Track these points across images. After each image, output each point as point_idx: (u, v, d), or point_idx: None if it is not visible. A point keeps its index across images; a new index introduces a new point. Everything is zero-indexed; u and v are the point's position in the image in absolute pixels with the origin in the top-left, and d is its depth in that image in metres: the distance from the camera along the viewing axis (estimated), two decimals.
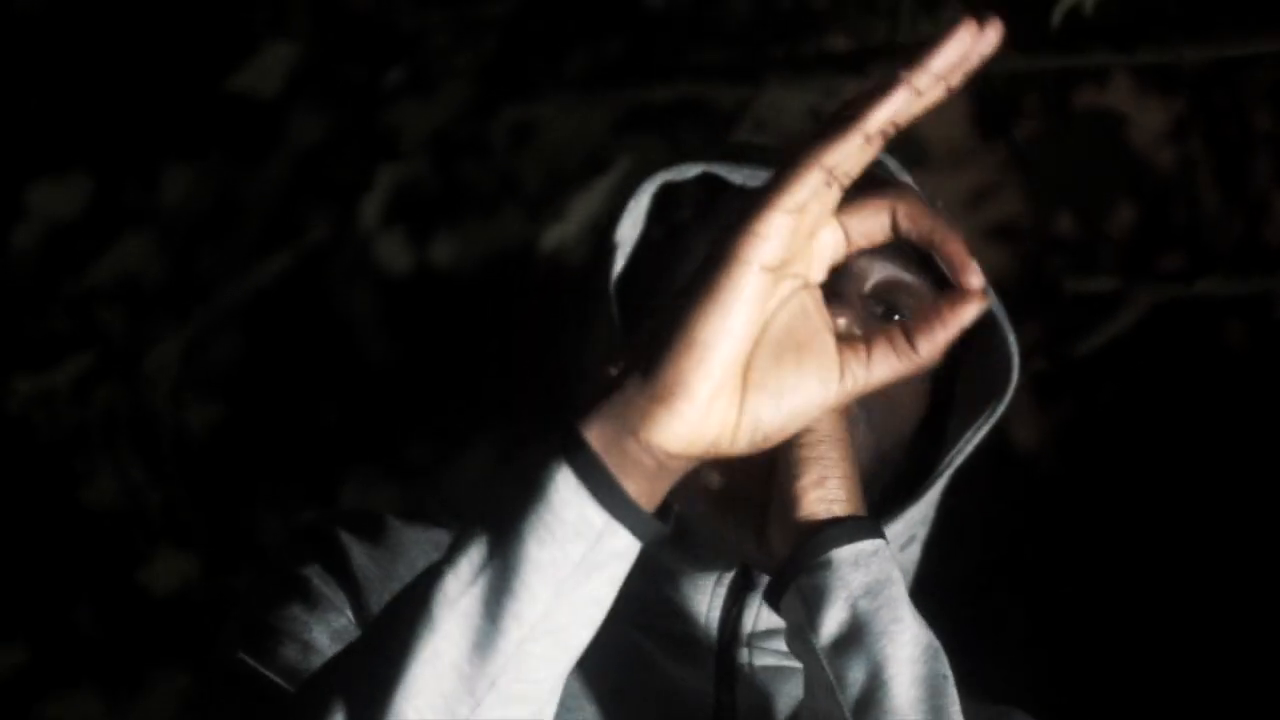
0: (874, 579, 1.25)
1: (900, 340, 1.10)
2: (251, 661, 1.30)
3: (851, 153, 1.06)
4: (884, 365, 1.11)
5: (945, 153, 3.18)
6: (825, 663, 1.26)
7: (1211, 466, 3.42)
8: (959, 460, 1.41)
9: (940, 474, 1.40)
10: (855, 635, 1.25)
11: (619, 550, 1.09)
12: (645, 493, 1.08)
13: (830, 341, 1.12)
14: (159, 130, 3.40)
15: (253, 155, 3.37)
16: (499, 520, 1.08)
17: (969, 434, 1.41)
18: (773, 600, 1.29)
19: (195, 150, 3.39)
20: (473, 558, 1.08)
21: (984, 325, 1.37)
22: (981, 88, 2.61)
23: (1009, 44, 2.02)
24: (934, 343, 1.10)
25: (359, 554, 1.38)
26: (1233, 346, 3.35)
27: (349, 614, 1.35)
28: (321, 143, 3.30)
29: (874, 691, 1.24)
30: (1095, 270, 2.17)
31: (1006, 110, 2.86)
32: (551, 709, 1.13)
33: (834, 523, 1.26)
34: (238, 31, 3.27)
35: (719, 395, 1.08)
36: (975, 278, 1.10)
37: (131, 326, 3.37)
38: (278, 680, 1.28)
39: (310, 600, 1.34)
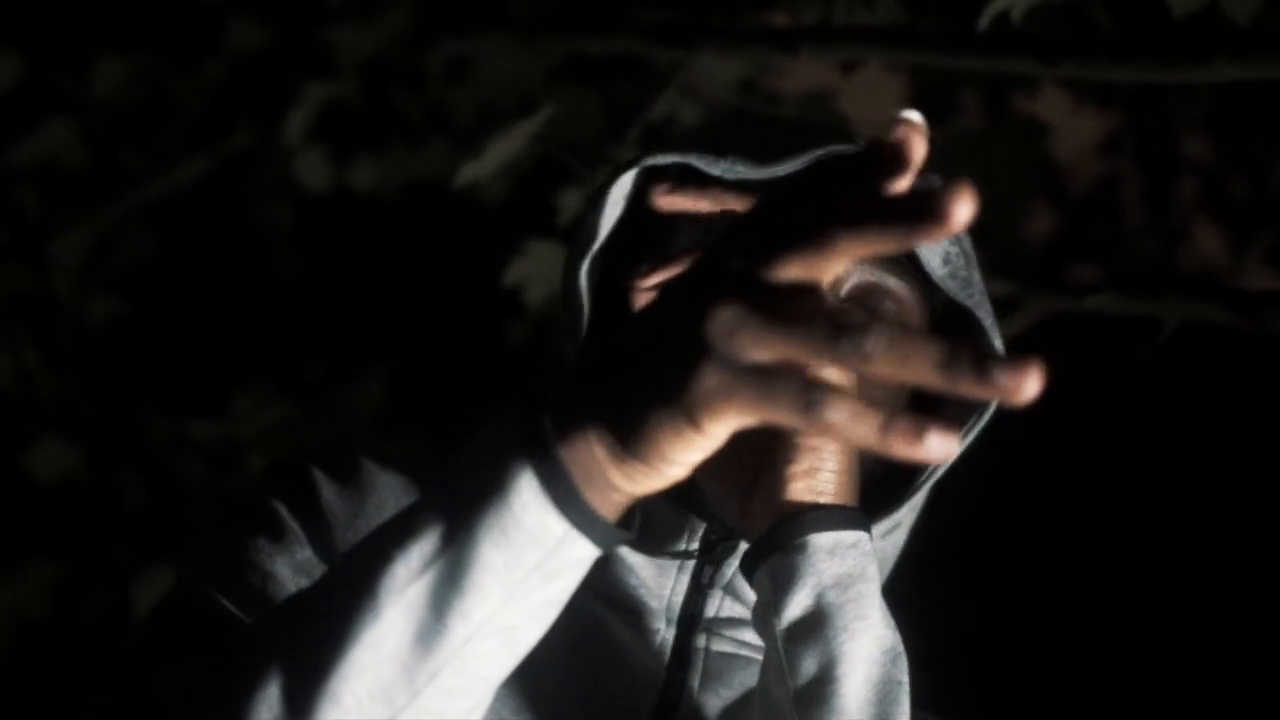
0: (847, 571, 1.26)
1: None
2: (213, 591, 1.28)
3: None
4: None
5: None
6: (781, 647, 1.27)
7: (1104, 476, 3.46)
8: (941, 469, 1.40)
9: (923, 482, 1.39)
10: (816, 625, 1.26)
11: (578, 558, 1.04)
12: (609, 503, 1.02)
13: None
14: (96, 20, 3.37)
15: (188, 56, 3.35)
16: (455, 512, 1.04)
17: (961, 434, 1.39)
18: (746, 573, 1.29)
19: (131, 44, 3.36)
20: (424, 546, 1.04)
21: (973, 329, 1.39)
22: (920, 80, 2.63)
23: (935, 42, 2.06)
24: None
25: (328, 491, 1.38)
26: (1135, 362, 3.38)
27: (312, 549, 1.34)
28: (257, 52, 3.29)
29: (823, 685, 1.25)
30: (1004, 274, 2.17)
31: (941, 105, 2.87)
32: (489, 699, 1.10)
33: (817, 508, 1.26)
34: None
35: (700, 459, 1.01)
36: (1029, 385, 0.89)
37: (46, 211, 3.35)
38: (235, 611, 1.27)
39: (276, 531, 1.34)
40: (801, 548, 1.26)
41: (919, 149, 0.93)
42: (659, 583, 1.38)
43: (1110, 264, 3.50)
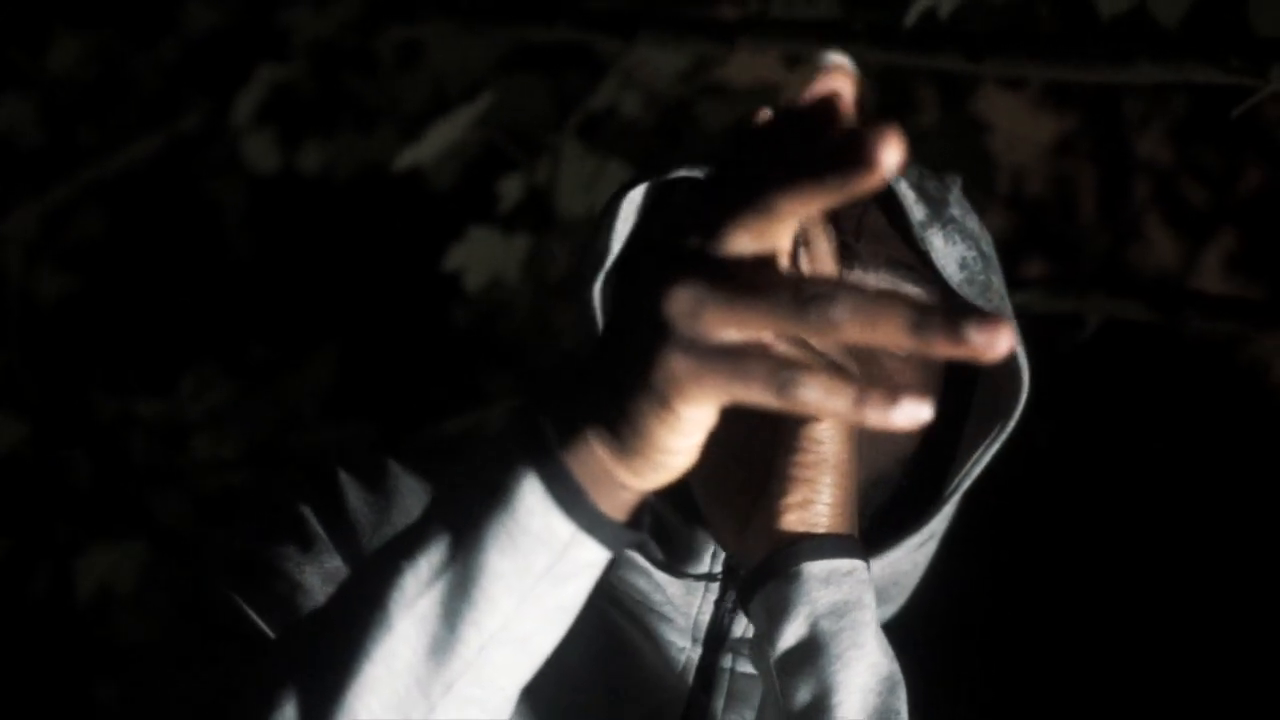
0: (842, 599, 1.24)
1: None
2: (239, 599, 1.27)
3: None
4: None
5: None
6: (775, 676, 1.25)
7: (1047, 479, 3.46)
8: (967, 483, 1.39)
9: (949, 496, 1.38)
10: (810, 654, 1.24)
11: (588, 560, 1.03)
12: (618, 504, 1.01)
13: None
14: None
15: (145, 35, 3.35)
16: (462, 521, 1.03)
17: (978, 454, 1.38)
18: (742, 603, 1.28)
19: (89, 21, 3.36)
20: (432, 558, 1.03)
21: None
22: (872, 76, 2.64)
23: (867, 37, 2.07)
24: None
25: (355, 497, 1.38)
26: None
27: (340, 557, 1.33)
28: (212, 33, 3.29)
29: (817, 716, 1.22)
30: None
31: (896, 101, 2.88)
32: (509, 709, 1.09)
33: (810, 537, 1.25)
34: None
35: (696, 440, 1.00)
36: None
37: (1, 187, 3.35)
38: (259, 622, 1.26)
39: (305, 539, 1.33)
40: (795, 576, 1.24)
41: (845, 90, 0.91)
42: (686, 600, 1.38)
43: (1062, 265, 3.51)
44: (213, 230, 3.37)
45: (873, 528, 1.38)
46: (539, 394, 1.02)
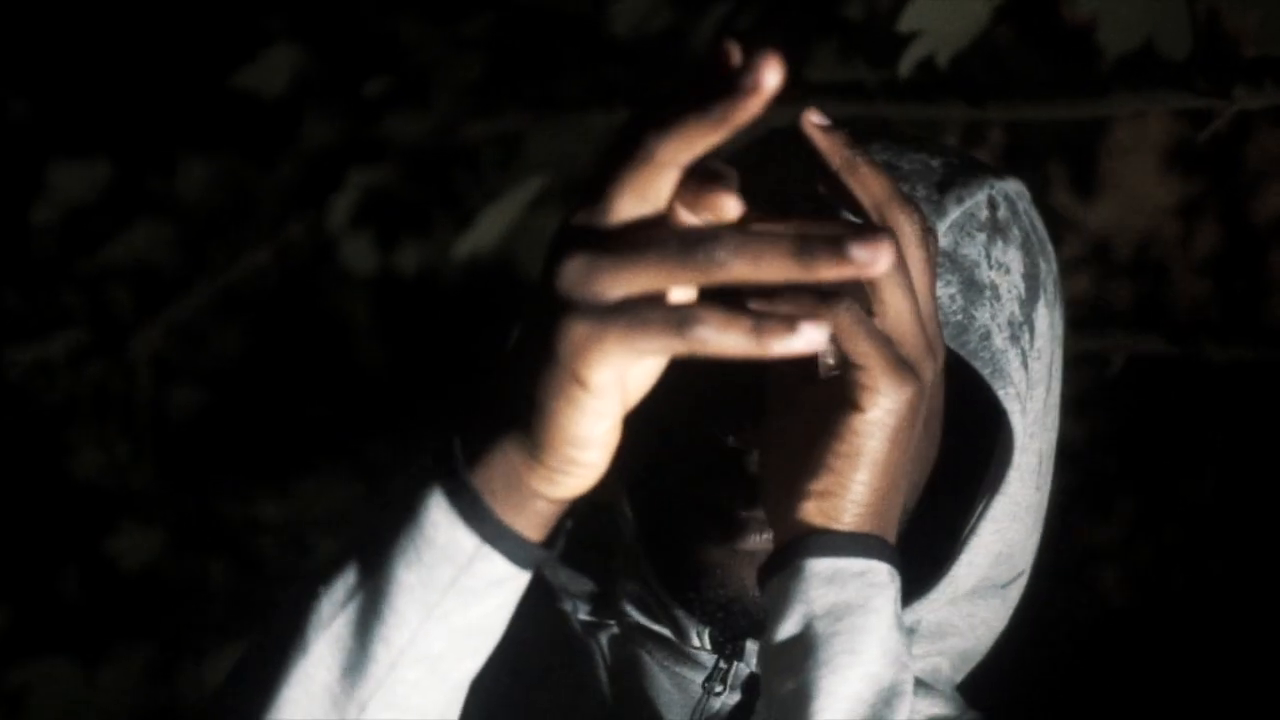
0: (844, 601, 1.17)
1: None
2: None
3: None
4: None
5: None
6: (765, 669, 1.21)
7: None
8: (973, 537, 1.32)
9: (960, 549, 1.32)
10: (798, 654, 1.17)
11: (496, 576, 1.03)
12: (528, 516, 1.02)
13: None
14: (175, 121, 3.48)
15: (264, 153, 3.44)
16: (374, 541, 1.04)
17: (978, 508, 1.32)
18: (760, 588, 1.22)
19: (209, 143, 3.47)
20: (347, 579, 1.05)
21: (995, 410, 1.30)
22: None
23: (878, 93, 2.07)
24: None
25: None
26: None
27: None
28: (328, 146, 3.37)
29: (795, 717, 1.16)
30: None
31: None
32: None
33: (823, 533, 1.17)
34: (254, 31, 3.35)
35: (608, 439, 1.00)
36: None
37: (137, 307, 3.46)
38: None
39: None
40: (796, 571, 1.17)
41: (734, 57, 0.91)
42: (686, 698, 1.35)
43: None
44: (328, 333, 3.44)
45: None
46: (456, 412, 1.03)
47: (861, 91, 2.03)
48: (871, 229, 0.88)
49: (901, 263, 1.14)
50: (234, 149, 3.49)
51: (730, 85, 0.88)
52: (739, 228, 0.92)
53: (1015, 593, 1.39)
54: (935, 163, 1.33)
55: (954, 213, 1.30)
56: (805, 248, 0.88)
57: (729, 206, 0.95)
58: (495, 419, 1.00)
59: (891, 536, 1.20)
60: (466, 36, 3.04)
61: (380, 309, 3.43)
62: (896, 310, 1.15)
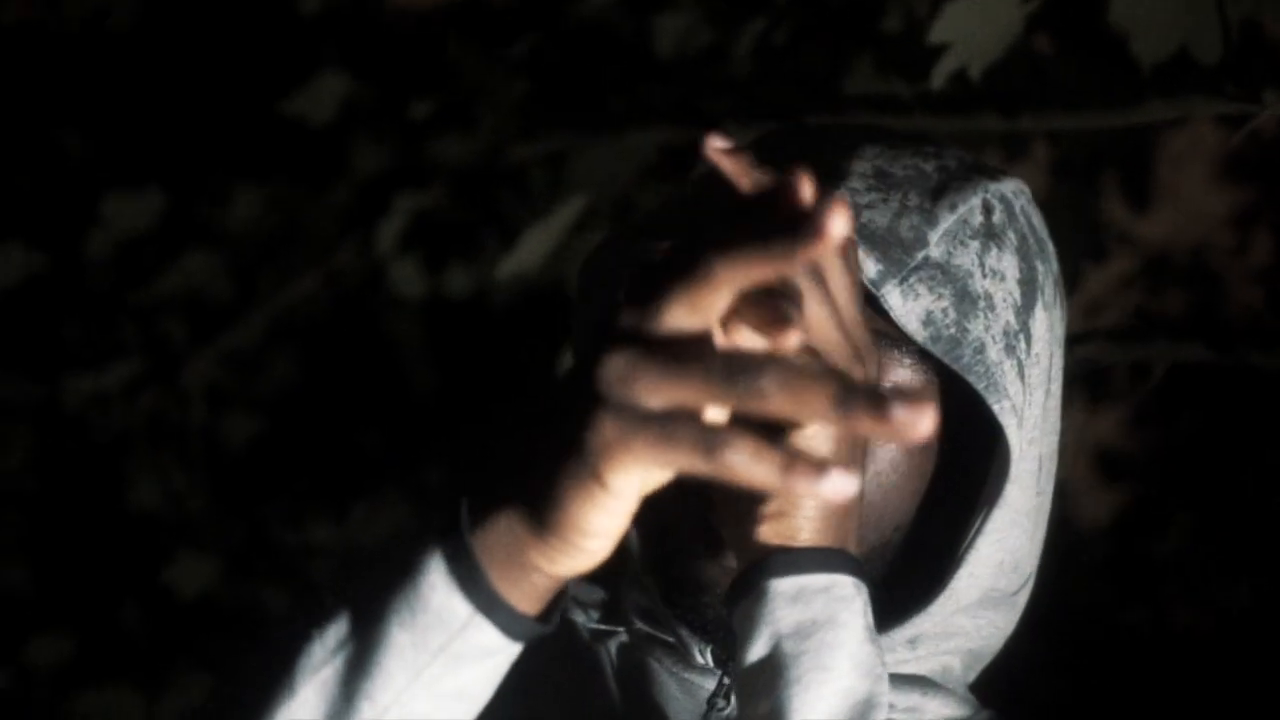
0: (810, 618, 1.15)
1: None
2: None
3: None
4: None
5: None
6: (739, 695, 1.19)
7: None
8: (972, 551, 1.30)
9: (958, 564, 1.30)
10: (769, 676, 1.15)
11: (488, 646, 1.02)
12: (525, 589, 1.01)
13: None
14: (225, 150, 3.51)
15: (314, 181, 3.47)
16: (371, 595, 1.04)
17: (976, 521, 1.30)
18: (728, 617, 1.21)
19: (259, 172, 3.50)
20: (340, 627, 1.04)
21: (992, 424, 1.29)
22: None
23: (917, 106, 2.06)
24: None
25: None
26: None
27: None
28: (379, 173, 3.39)
29: None
30: None
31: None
32: None
33: (782, 552, 1.16)
34: (302, 59, 3.37)
35: (615, 532, 0.99)
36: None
37: (191, 337, 3.49)
38: None
39: None
40: (760, 594, 1.15)
41: (732, 167, 0.92)
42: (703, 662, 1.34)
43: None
44: (387, 361, 3.46)
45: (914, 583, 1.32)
46: (471, 475, 1.02)
47: (898, 105, 2.02)
48: (914, 396, 0.87)
49: (818, 272, 1.11)
50: (283, 176, 3.52)
51: (797, 226, 0.88)
52: (779, 359, 0.91)
53: (1024, 598, 1.37)
54: (929, 167, 1.30)
55: (947, 220, 1.27)
56: (848, 399, 0.87)
57: (789, 340, 0.95)
58: (506, 489, 0.99)
59: (853, 547, 1.19)
60: (510, 59, 3.06)
61: (430, 332, 3.44)
62: (817, 320, 1.12)
